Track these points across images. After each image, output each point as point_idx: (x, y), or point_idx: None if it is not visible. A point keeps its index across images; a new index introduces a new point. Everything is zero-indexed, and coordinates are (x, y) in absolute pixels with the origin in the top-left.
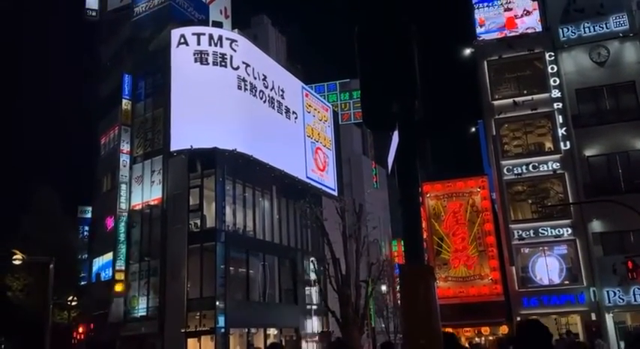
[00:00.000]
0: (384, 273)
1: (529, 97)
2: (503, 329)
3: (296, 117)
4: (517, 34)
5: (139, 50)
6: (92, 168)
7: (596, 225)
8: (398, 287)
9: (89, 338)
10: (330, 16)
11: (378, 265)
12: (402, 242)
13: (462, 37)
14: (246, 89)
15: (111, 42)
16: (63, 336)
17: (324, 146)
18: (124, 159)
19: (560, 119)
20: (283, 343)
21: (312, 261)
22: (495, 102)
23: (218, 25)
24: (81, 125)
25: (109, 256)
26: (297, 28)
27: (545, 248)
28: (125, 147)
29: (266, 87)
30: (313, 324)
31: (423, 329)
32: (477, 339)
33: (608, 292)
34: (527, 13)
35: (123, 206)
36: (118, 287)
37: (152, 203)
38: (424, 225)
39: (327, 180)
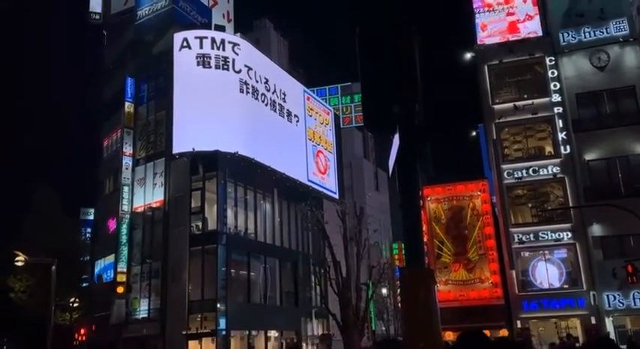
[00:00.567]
0: (384, 276)
1: (529, 101)
2: (504, 333)
3: (297, 121)
4: (519, 38)
5: (142, 53)
6: (95, 170)
7: (596, 229)
8: (398, 290)
9: (90, 340)
10: (331, 20)
11: (378, 268)
12: (403, 245)
13: (463, 41)
14: (248, 92)
15: (114, 45)
16: (64, 337)
17: (326, 149)
18: (127, 161)
19: (560, 123)
20: (284, 346)
21: (313, 263)
22: (496, 107)
23: (220, 28)
24: (84, 127)
25: (110, 258)
26: (299, 32)
27: (546, 252)
28: (128, 149)
29: (268, 91)
30: (314, 327)
31: (423, 332)
32: None
33: (608, 296)
34: (530, 17)
35: (125, 208)
36: (120, 289)
37: (154, 205)
38: (425, 228)
39: (328, 183)
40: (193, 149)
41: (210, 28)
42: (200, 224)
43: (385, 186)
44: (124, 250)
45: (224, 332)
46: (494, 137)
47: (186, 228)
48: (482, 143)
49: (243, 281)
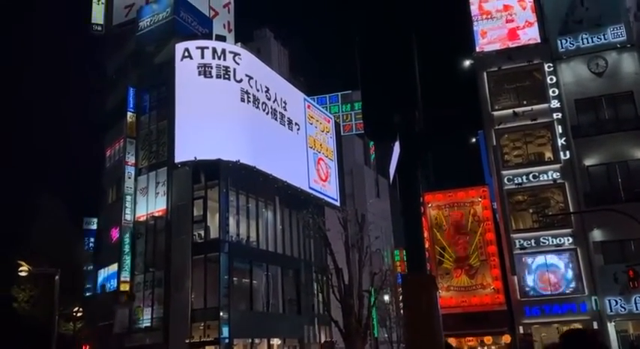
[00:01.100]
0: (386, 283)
1: (529, 108)
2: (506, 339)
3: (298, 129)
4: (520, 45)
5: (143, 64)
6: (97, 180)
7: (597, 234)
8: (401, 296)
9: None
10: (331, 29)
11: (380, 275)
12: (405, 252)
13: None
14: (249, 101)
15: (116, 56)
16: (68, 347)
17: (326, 157)
18: (129, 170)
19: (559, 129)
20: None
21: (315, 271)
22: (495, 113)
23: (221, 38)
24: (87, 137)
25: (114, 267)
26: (299, 41)
27: (547, 257)
28: (130, 159)
29: (269, 99)
30: (316, 334)
31: (426, 339)
32: None
33: (609, 301)
34: (529, 24)
35: (128, 217)
36: (123, 298)
37: (157, 214)
38: (426, 234)
39: (330, 190)
40: (195, 158)
41: (211, 38)
42: (202, 232)
43: (386, 193)
44: (127, 259)
45: (227, 341)
46: (494, 143)
47: (188, 236)
48: (482, 149)
49: (245, 289)
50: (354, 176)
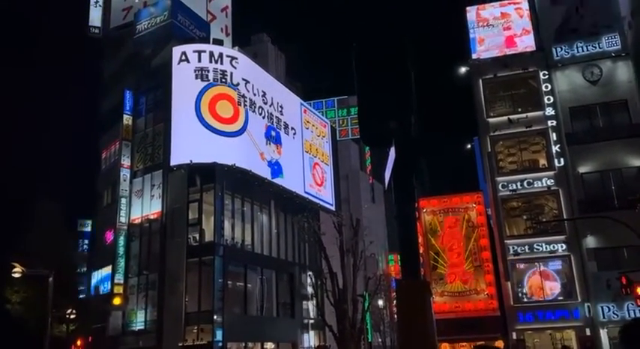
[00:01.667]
0: (380, 288)
1: (524, 115)
2: (499, 344)
3: (294, 133)
4: (517, 52)
5: (140, 67)
6: (93, 182)
7: (590, 241)
8: (395, 301)
9: None
10: (328, 34)
11: (375, 279)
12: (399, 257)
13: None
14: (245, 105)
15: (113, 58)
16: None
17: (322, 161)
18: (125, 173)
19: (554, 136)
20: None
21: (309, 275)
22: (490, 120)
23: (219, 42)
24: (83, 139)
25: (107, 269)
26: (296, 46)
27: (540, 263)
28: (126, 161)
29: (265, 103)
30: (310, 338)
31: (419, 344)
32: None
33: (602, 307)
34: (526, 32)
35: (122, 220)
36: (117, 301)
37: (151, 217)
38: (421, 240)
39: (325, 195)
40: (191, 161)
41: (209, 42)
42: (197, 236)
43: (381, 198)
44: (121, 262)
45: (220, 344)
46: (489, 150)
47: (183, 239)
48: (477, 156)
49: (239, 293)
50: (349, 181)
